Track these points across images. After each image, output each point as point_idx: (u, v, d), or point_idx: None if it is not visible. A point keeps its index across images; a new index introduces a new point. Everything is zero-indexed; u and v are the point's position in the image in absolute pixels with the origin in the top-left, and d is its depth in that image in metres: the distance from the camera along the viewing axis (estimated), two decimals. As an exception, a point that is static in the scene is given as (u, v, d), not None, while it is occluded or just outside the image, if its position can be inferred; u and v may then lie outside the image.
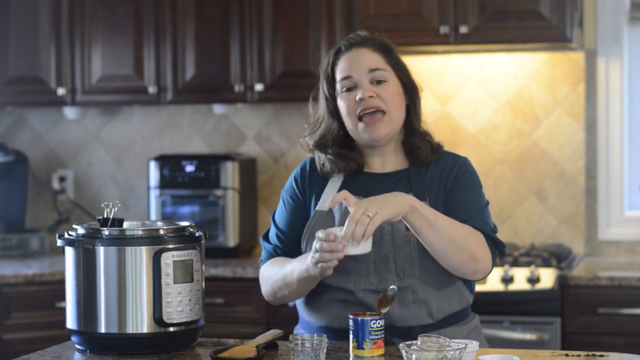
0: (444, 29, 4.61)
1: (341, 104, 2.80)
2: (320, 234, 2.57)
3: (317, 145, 2.85)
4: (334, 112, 2.83)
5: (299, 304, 2.88)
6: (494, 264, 2.77)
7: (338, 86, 2.80)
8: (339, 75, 2.80)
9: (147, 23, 4.98)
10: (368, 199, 2.59)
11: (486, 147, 4.99)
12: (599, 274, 4.38)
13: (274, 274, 2.81)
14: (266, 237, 2.92)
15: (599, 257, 4.86)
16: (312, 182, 2.88)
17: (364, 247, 2.57)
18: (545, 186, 4.93)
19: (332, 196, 2.66)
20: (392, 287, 2.63)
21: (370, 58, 2.79)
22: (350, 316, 2.57)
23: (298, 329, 2.89)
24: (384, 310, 2.62)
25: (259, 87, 4.86)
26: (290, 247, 2.86)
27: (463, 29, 4.59)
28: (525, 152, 4.95)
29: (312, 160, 2.91)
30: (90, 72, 5.05)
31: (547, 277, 4.35)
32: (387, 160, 2.86)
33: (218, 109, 5.14)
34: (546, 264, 4.46)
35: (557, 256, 4.52)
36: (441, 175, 2.82)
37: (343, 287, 2.75)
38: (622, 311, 4.29)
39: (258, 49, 4.87)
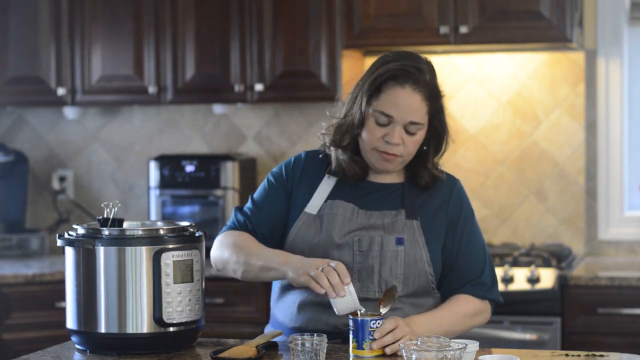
0: (444, 29, 4.61)
1: (367, 130, 2.76)
2: (335, 264, 2.58)
3: (341, 146, 2.82)
4: (362, 121, 2.79)
5: (273, 303, 2.87)
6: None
7: (375, 112, 2.75)
8: (382, 106, 2.73)
9: (147, 23, 4.98)
10: (401, 322, 2.62)
11: (486, 147, 4.99)
12: (598, 274, 4.37)
13: (240, 244, 2.78)
14: (240, 209, 2.90)
15: (599, 257, 4.86)
16: (303, 176, 2.87)
17: (352, 307, 2.57)
18: (545, 186, 4.93)
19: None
20: (392, 285, 2.63)
21: (417, 107, 2.74)
22: (350, 316, 2.57)
23: (269, 329, 2.88)
24: (384, 310, 2.62)
25: (259, 87, 4.85)
26: (258, 225, 2.84)
27: (463, 29, 4.59)
28: (525, 152, 4.95)
29: (309, 155, 2.90)
30: (90, 72, 5.05)
31: (547, 277, 4.35)
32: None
33: (218, 109, 5.14)
34: (546, 264, 4.46)
35: (557, 256, 4.51)
36: (438, 198, 2.83)
37: None
38: (622, 311, 4.29)
39: (258, 49, 4.86)
